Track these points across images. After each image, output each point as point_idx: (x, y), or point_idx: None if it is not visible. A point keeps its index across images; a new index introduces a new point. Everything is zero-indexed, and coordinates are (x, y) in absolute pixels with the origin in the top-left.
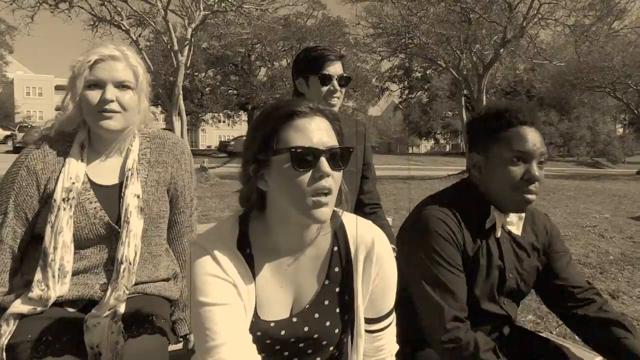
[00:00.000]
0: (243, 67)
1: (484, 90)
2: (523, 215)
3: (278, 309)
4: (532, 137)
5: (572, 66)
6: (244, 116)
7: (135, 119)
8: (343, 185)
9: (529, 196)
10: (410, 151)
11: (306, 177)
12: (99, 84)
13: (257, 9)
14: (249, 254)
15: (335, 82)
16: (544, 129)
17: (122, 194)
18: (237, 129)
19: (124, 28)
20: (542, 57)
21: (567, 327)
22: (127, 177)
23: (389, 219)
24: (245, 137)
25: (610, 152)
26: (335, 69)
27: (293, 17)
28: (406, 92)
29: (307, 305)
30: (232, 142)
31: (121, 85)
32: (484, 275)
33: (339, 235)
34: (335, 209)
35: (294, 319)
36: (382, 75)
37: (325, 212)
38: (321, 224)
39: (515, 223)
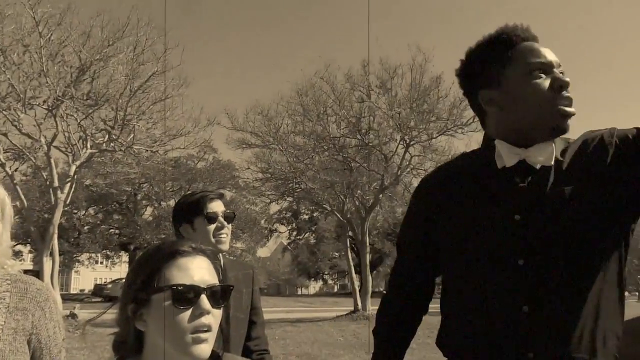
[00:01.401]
0: (128, 206)
1: (367, 232)
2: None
3: None
4: (543, 49)
5: None
6: (124, 257)
7: None
8: (223, 323)
9: (568, 108)
10: (299, 292)
11: (186, 314)
12: None
13: (147, 150)
14: None
15: (221, 219)
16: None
17: None
18: (116, 270)
19: None
20: None
21: None
22: None
23: None
24: (125, 279)
25: None
26: (218, 205)
27: (183, 159)
28: (294, 233)
29: None
30: (110, 286)
31: None
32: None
33: None
34: (215, 350)
35: None
36: (270, 217)
37: (204, 349)
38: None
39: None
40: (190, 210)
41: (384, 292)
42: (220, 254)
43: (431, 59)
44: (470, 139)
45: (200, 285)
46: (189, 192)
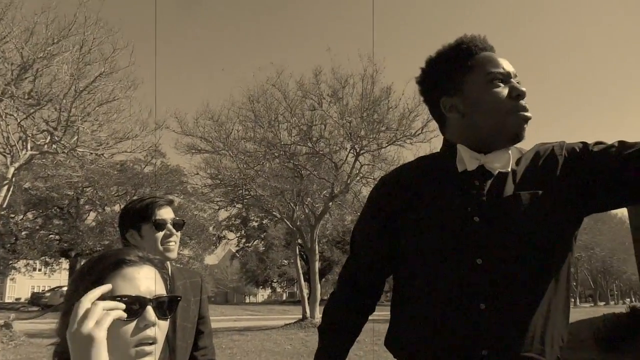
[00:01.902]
0: (69, 211)
1: (317, 240)
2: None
3: None
4: (501, 59)
5: None
6: (65, 264)
7: None
8: (170, 333)
9: (526, 113)
10: (247, 300)
11: (131, 326)
12: None
13: (92, 153)
14: None
15: (170, 226)
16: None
17: None
18: (56, 278)
19: None
20: None
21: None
22: None
23: None
24: (66, 287)
25: None
26: (167, 212)
27: (130, 163)
28: (243, 240)
29: None
30: (48, 294)
31: None
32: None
33: None
34: None
35: None
36: (219, 224)
37: None
38: None
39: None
40: (138, 217)
41: (332, 291)
42: (168, 262)
43: (382, 69)
44: (418, 149)
45: (146, 296)
46: (136, 197)
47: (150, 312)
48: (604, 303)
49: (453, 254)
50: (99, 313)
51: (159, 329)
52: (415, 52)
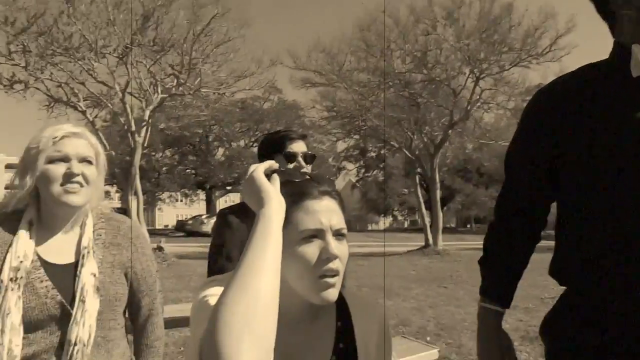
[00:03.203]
0: (201, 147)
1: (437, 169)
2: None
3: None
4: None
5: None
6: (201, 195)
7: (93, 195)
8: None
9: None
10: (369, 228)
11: (313, 258)
12: (63, 159)
13: (214, 93)
14: None
15: (300, 159)
16: None
17: (78, 273)
18: (195, 207)
19: (80, 109)
20: (488, 138)
21: None
22: (83, 256)
23: None
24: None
25: None
26: (299, 146)
27: (250, 101)
28: (362, 170)
29: None
30: (191, 222)
31: (84, 160)
32: None
33: (341, 310)
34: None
35: None
36: (338, 155)
37: (333, 294)
38: (329, 304)
39: None
40: (271, 148)
41: (492, 218)
42: None
43: None
44: (546, 70)
45: (327, 229)
46: (275, 130)
47: (332, 245)
48: None
49: (636, 167)
50: (265, 165)
51: (340, 262)
52: None
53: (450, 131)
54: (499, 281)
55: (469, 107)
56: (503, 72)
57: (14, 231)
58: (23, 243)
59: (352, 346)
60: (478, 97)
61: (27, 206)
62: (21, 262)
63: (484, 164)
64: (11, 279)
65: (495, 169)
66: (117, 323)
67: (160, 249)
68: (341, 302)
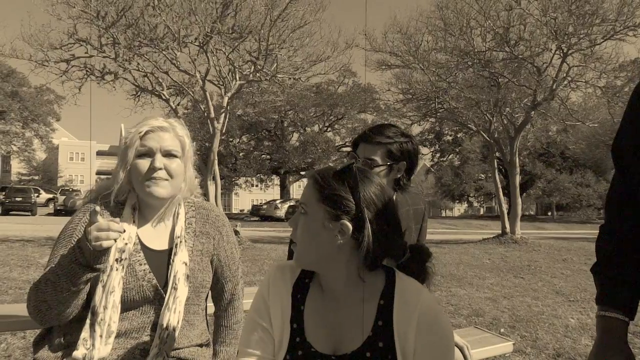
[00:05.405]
0: (276, 133)
1: (517, 153)
2: None
3: (320, 341)
4: None
5: (606, 127)
6: (276, 180)
7: (182, 187)
8: None
9: None
10: (443, 214)
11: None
12: (148, 153)
13: (290, 78)
14: (307, 283)
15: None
16: None
17: (172, 260)
18: (270, 192)
19: (164, 97)
20: (575, 119)
21: None
22: (176, 244)
23: None
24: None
25: None
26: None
27: (324, 85)
28: (437, 155)
29: (350, 352)
30: (265, 206)
31: (169, 154)
32: None
33: (387, 290)
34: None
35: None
36: None
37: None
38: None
39: None
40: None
41: (602, 216)
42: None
43: None
44: None
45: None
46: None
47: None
48: None
49: None
50: None
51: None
52: None
53: (532, 112)
54: (621, 288)
55: (554, 86)
56: (594, 46)
57: (119, 215)
58: (127, 226)
59: (390, 326)
60: (565, 74)
61: (129, 192)
62: (126, 244)
63: (568, 147)
64: (116, 260)
65: (582, 153)
66: (200, 308)
67: (236, 233)
68: (390, 283)
